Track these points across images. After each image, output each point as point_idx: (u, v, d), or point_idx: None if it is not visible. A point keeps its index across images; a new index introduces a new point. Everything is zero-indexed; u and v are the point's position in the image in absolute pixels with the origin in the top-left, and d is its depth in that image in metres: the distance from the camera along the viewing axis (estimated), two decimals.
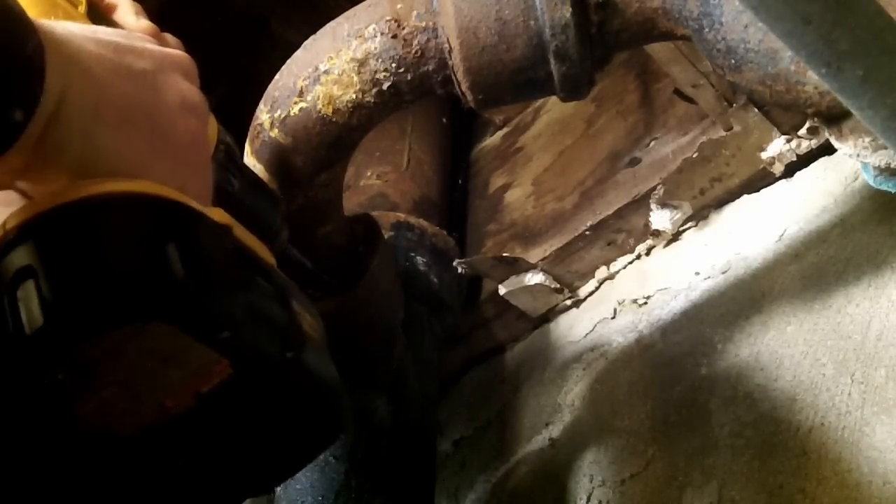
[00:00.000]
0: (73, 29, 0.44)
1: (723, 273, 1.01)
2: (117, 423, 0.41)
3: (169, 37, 0.61)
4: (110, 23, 0.58)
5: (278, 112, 0.75)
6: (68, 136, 0.41)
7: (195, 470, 0.46)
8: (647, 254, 1.12)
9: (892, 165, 0.64)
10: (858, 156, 0.64)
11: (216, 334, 0.40)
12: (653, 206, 1.07)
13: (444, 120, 1.52)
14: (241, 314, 0.42)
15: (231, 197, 0.64)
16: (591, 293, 1.17)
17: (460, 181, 1.50)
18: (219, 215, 0.46)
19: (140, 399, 0.41)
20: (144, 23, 0.60)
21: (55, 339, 0.37)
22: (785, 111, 0.95)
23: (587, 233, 1.12)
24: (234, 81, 1.41)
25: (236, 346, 0.41)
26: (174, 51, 0.52)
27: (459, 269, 1.15)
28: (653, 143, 1.13)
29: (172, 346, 0.39)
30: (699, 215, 1.08)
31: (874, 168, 0.67)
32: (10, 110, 0.37)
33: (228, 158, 0.64)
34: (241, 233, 0.47)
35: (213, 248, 0.43)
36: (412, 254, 1.14)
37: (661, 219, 1.08)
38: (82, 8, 0.55)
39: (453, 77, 0.70)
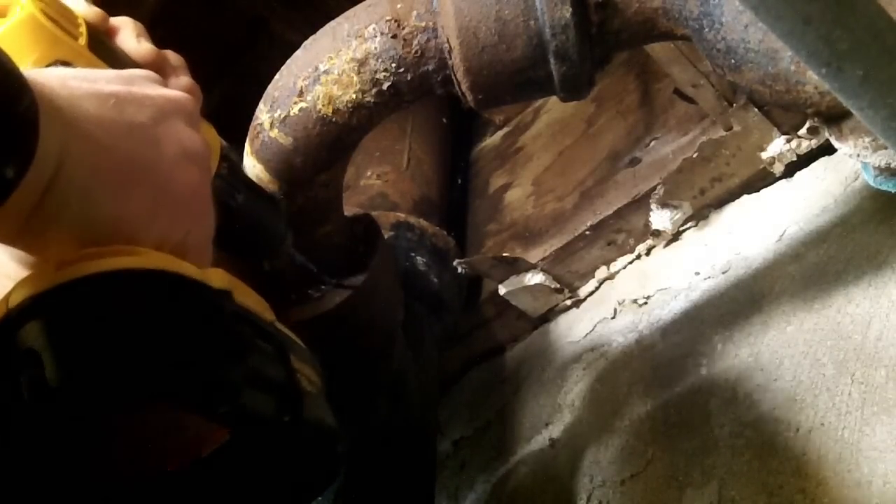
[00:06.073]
0: (73, 83, 0.43)
1: (723, 273, 1.01)
2: (115, 481, 0.42)
3: (171, 57, 0.60)
4: (112, 50, 0.57)
5: (278, 112, 0.75)
6: (66, 200, 0.40)
7: None
8: (647, 254, 1.12)
9: (892, 165, 0.64)
10: (858, 156, 0.64)
11: (215, 409, 0.41)
12: (653, 206, 1.07)
13: (444, 120, 1.52)
14: (240, 385, 0.42)
15: (235, 211, 0.64)
16: (591, 293, 1.17)
17: (460, 181, 1.50)
18: (219, 279, 0.46)
19: (140, 466, 0.42)
20: (146, 47, 0.59)
21: (56, 422, 0.38)
22: (785, 111, 0.95)
23: (587, 233, 1.12)
24: (234, 81, 1.41)
25: (235, 416, 0.42)
26: (175, 93, 0.51)
27: (459, 269, 1.15)
28: (653, 143, 1.13)
29: (172, 420, 0.40)
30: (699, 215, 1.08)
31: (874, 168, 0.67)
32: (1, 166, 0.37)
33: (232, 173, 0.64)
34: (241, 293, 0.47)
35: (211, 321, 0.43)
36: (412, 254, 1.14)
37: (661, 219, 1.08)
38: (83, 40, 0.54)
39: (453, 77, 0.70)
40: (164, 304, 0.41)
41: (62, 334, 0.39)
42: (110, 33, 0.59)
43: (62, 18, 0.53)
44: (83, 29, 0.54)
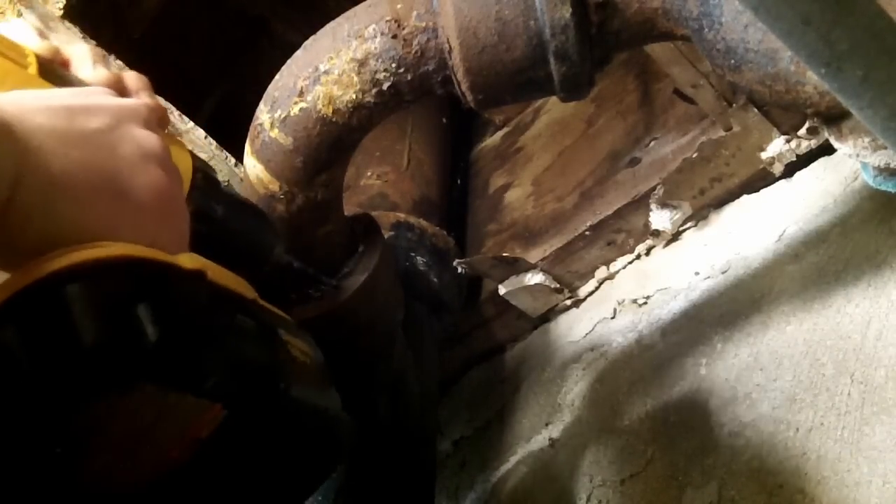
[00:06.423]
0: (23, 101, 0.43)
1: (723, 273, 1.01)
2: (122, 479, 0.42)
3: (131, 79, 0.59)
4: (67, 79, 0.56)
5: (278, 112, 0.75)
6: (29, 214, 0.41)
7: None
8: (647, 254, 1.12)
9: (891, 165, 0.64)
10: (858, 156, 0.64)
11: (201, 384, 0.41)
12: (653, 206, 1.07)
13: (444, 120, 1.52)
14: (223, 359, 0.42)
15: (217, 223, 0.63)
16: (591, 293, 1.17)
17: (460, 181, 1.50)
18: (190, 261, 0.46)
19: (141, 456, 0.41)
20: (102, 72, 0.58)
21: (41, 420, 0.38)
22: (785, 111, 0.95)
23: (587, 233, 1.12)
24: (234, 81, 1.41)
25: (224, 390, 0.42)
26: (128, 101, 0.51)
27: (459, 269, 1.15)
28: (653, 143, 1.13)
29: (161, 402, 0.40)
30: (699, 215, 1.08)
31: (874, 168, 0.67)
32: None
33: (208, 184, 0.63)
34: (216, 273, 0.47)
35: (185, 298, 0.43)
36: (412, 254, 1.14)
37: (660, 219, 1.08)
38: (32, 69, 0.53)
39: (453, 77, 0.70)
40: (130, 286, 0.41)
41: (31, 333, 0.39)
42: (64, 65, 0.58)
43: (9, 51, 0.53)
44: (32, 59, 0.54)
